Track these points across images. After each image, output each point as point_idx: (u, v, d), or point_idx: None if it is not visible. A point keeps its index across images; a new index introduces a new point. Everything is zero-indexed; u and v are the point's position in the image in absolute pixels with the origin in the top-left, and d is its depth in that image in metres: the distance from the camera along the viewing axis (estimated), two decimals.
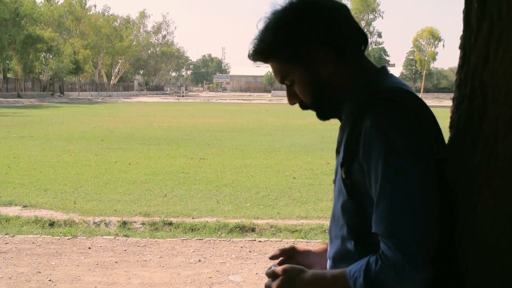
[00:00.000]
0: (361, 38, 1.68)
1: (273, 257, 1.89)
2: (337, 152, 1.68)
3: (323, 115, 1.75)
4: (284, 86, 1.75)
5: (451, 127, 1.65)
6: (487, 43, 1.46)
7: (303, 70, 1.65)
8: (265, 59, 1.70)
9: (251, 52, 1.69)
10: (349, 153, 1.55)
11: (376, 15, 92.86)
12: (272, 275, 1.69)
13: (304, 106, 1.75)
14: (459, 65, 1.60)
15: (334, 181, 1.72)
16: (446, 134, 1.69)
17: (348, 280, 1.49)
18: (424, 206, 1.42)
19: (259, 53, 1.68)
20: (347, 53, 1.64)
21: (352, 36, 1.66)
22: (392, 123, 1.46)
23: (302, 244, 6.37)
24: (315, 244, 6.60)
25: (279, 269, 1.67)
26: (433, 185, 1.46)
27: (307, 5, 1.63)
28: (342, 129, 1.68)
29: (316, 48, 1.61)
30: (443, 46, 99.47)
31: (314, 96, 1.68)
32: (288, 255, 1.89)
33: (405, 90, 1.58)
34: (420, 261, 1.39)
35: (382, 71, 1.69)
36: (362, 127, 1.50)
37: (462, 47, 1.58)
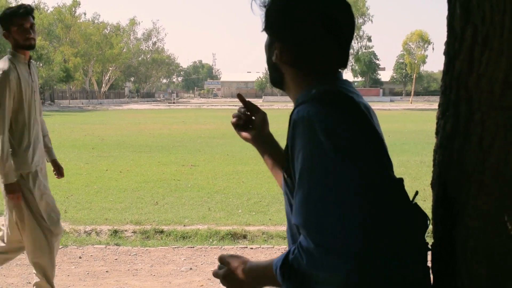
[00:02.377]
0: (335, 61, 1.69)
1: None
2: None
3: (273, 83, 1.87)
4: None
5: (437, 133, 1.64)
6: (471, 49, 1.46)
7: (271, 51, 1.72)
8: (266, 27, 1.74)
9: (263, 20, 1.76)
10: (286, 152, 1.58)
11: (365, 19, 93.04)
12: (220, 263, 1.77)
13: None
14: (444, 71, 1.59)
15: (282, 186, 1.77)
16: (433, 139, 1.68)
17: (273, 270, 1.53)
18: (340, 201, 1.41)
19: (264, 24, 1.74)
20: (305, 66, 1.68)
21: (321, 54, 1.66)
22: (319, 118, 1.46)
23: None
24: None
25: (225, 258, 1.75)
26: (354, 184, 1.43)
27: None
28: None
29: (277, 39, 1.69)
30: (433, 49, 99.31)
31: (272, 77, 1.83)
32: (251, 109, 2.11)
33: (344, 93, 1.58)
34: (333, 251, 1.38)
35: (334, 79, 1.68)
36: (297, 122, 1.52)
37: (447, 53, 1.57)
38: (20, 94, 4.43)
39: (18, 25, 4.44)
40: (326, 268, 1.39)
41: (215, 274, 1.76)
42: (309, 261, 1.41)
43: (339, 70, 1.71)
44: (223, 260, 1.74)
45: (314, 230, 1.41)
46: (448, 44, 1.57)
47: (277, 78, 1.78)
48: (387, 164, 1.57)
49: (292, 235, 1.70)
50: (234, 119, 2.11)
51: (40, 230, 4.63)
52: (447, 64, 1.57)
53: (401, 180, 1.56)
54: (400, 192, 1.54)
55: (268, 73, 1.83)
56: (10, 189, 4.45)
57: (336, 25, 1.64)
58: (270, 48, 1.73)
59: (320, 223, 1.41)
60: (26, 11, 4.46)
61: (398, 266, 1.47)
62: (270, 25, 1.69)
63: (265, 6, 1.70)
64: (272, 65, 1.75)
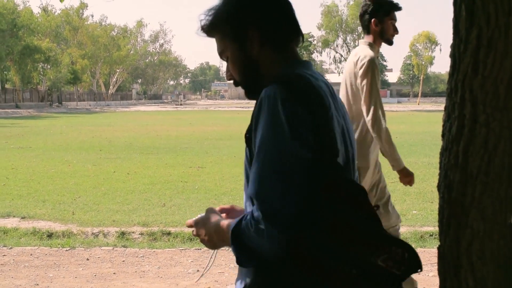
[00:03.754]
0: (294, 32, 1.79)
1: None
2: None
3: (250, 94, 1.86)
4: None
5: (443, 135, 1.64)
6: (476, 51, 1.46)
7: (234, 47, 1.78)
8: (208, 34, 1.84)
9: (200, 24, 1.84)
10: (250, 128, 1.66)
11: None
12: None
13: (235, 83, 1.88)
14: (449, 73, 1.60)
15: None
16: (440, 141, 1.68)
17: (228, 232, 1.62)
18: (286, 176, 1.51)
19: (202, 29, 1.83)
20: (271, 39, 1.75)
21: (282, 25, 1.76)
22: (276, 98, 1.56)
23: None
24: None
25: (193, 220, 1.86)
26: (299, 159, 1.53)
27: None
28: None
29: (247, 27, 1.74)
30: (440, 50, 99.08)
31: (241, 74, 1.82)
32: (227, 211, 2.03)
33: (307, 77, 1.67)
34: (278, 222, 1.49)
35: (302, 63, 1.78)
36: (260, 101, 1.61)
37: (452, 55, 1.58)
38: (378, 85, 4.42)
39: (392, 19, 4.48)
40: (266, 236, 1.50)
41: (188, 224, 1.88)
42: (256, 230, 1.51)
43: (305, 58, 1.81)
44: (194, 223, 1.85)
45: (262, 200, 1.51)
46: (453, 46, 1.57)
47: (252, 78, 1.81)
48: (334, 153, 1.66)
49: (245, 203, 1.81)
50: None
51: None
52: (453, 66, 1.57)
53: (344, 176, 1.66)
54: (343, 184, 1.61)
55: (241, 82, 1.85)
56: (405, 173, 4.44)
57: (286, 5, 1.79)
58: (237, 44, 1.77)
59: (267, 195, 1.51)
60: (399, 10, 4.52)
61: (329, 253, 1.54)
62: (234, 19, 1.75)
63: (214, 11, 1.79)
64: (244, 65, 1.79)
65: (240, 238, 1.57)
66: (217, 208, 2.01)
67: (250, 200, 1.65)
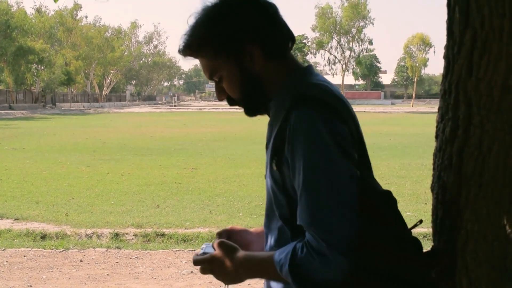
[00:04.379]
0: (287, 36, 1.72)
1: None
2: (267, 147, 1.72)
3: (250, 111, 1.79)
4: None
5: (436, 136, 1.65)
6: (470, 53, 1.47)
7: (231, 66, 1.68)
8: (194, 54, 1.73)
9: (181, 47, 1.72)
10: (278, 148, 1.59)
11: (366, 22, 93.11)
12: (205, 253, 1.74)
13: (232, 102, 1.78)
14: (443, 75, 1.60)
15: (266, 176, 1.76)
16: (434, 142, 1.68)
17: (276, 265, 1.54)
18: (343, 199, 1.47)
19: (188, 48, 1.71)
20: (273, 51, 1.68)
21: (279, 34, 1.70)
22: (315, 119, 1.50)
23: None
24: None
25: (214, 243, 1.72)
26: (352, 179, 1.50)
27: (236, 1, 1.69)
28: (270, 125, 1.72)
29: (243, 44, 1.65)
30: (434, 52, 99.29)
31: (242, 92, 1.72)
32: (226, 235, 1.94)
33: (328, 87, 1.63)
34: (342, 248, 1.44)
35: (307, 70, 1.73)
36: (288, 123, 1.54)
37: (446, 57, 1.58)
38: None
39: None
40: (334, 265, 1.45)
41: (197, 261, 1.73)
42: (322, 260, 1.45)
43: (310, 64, 1.77)
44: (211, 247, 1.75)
45: (323, 230, 1.45)
46: (447, 48, 1.58)
47: (254, 94, 1.73)
48: (368, 165, 1.67)
49: (269, 222, 1.75)
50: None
51: None
52: (447, 68, 1.58)
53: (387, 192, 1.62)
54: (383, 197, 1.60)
55: (241, 101, 1.76)
56: None
57: (273, 11, 1.71)
58: (235, 62, 1.69)
59: (328, 223, 1.45)
60: None
61: (387, 264, 1.52)
62: (228, 38, 1.66)
63: (199, 31, 1.69)
64: (244, 82, 1.71)
65: (299, 271, 1.49)
66: (216, 235, 1.96)
67: (287, 224, 1.62)
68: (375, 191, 1.59)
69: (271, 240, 1.74)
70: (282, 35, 1.71)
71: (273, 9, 1.71)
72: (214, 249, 1.72)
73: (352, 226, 1.46)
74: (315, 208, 1.47)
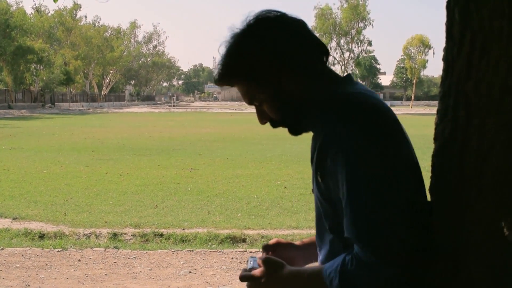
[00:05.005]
0: (321, 50, 1.70)
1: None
2: (312, 161, 1.71)
3: (295, 131, 1.77)
4: None
5: (435, 138, 1.64)
6: (470, 54, 1.46)
7: (269, 90, 1.66)
8: (230, 83, 1.70)
9: (216, 77, 1.70)
10: (322, 160, 1.57)
11: (366, 23, 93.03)
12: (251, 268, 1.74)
13: (274, 124, 1.76)
14: (442, 77, 1.60)
15: (313, 190, 1.75)
16: (431, 145, 1.68)
17: (325, 279, 1.53)
18: (391, 210, 1.46)
19: (224, 78, 1.69)
20: (308, 68, 1.66)
21: (312, 49, 1.68)
22: (358, 131, 1.50)
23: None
24: None
25: (261, 259, 1.70)
26: (400, 190, 1.50)
27: (265, 25, 1.66)
28: (314, 139, 1.71)
29: (277, 69, 1.63)
30: (433, 54, 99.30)
31: (283, 114, 1.70)
32: (272, 249, 1.93)
33: (370, 97, 1.62)
34: (393, 259, 1.44)
35: (347, 80, 1.72)
36: (330, 136, 1.53)
37: (445, 59, 1.58)
38: None
39: None
40: (389, 279, 1.45)
41: (244, 277, 1.71)
42: (371, 273, 1.45)
43: (349, 74, 1.77)
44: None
45: (372, 242, 1.45)
46: (446, 49, 1.57)
47: (296, 115, 1.71)
48: (418, 173, 1.68)
49: (320, 235, 1.74)
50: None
51: None
52: (446, 69, 1.57)
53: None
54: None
55: (283, 122, 1.74)
56: None
57: (301, 28, 1.69)
58: (274, 88, 1.66)
59: (377, 235, 1.45)
60: None
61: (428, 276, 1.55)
62: (264, 66, 1.64)
63: (235, 60, 1.66)
64: (285, 105, 1.69)
65: (349, 284, 1.49)
66: (262, 249, 1.95)
67: (338, 236, 1.61)
68: (423, 201, 1.61)
69: (323, 254, 1.73)
70: (314, 51, 1.68)
71: (302, 26, 1.69)
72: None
73: (401, 238, 1.45)
74: (362, 221, 1.46)
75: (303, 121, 1.72)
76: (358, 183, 1.47)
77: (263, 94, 1.68)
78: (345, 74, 1.77)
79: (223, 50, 1.67)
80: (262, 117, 1.76)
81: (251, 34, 1.65)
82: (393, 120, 1.61)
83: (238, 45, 1.65)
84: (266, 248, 1.93)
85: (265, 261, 1.68)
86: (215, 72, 1.71)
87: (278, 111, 1.70)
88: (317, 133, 1.66)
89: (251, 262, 1.77)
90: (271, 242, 1.96)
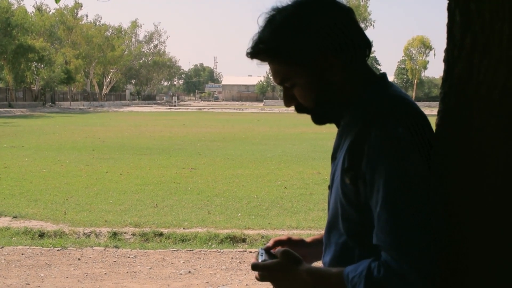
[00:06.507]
0: (365, 43, 1.63)
1: (267, 249, 1.82)
2: (333, 158, 1.67)
3: (320, 120, 1.71)
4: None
5: (436, 139, 1.64)
6: (471, 56, 1.47)
7: (309, 74, 1.59)
8: (265, 60, 1.63)
9: (251, 50, 1.61)
10: (354, 162, 1.52)
11: (367, 24, 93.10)
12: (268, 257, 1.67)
13: (300, 109, 1.69)
14: (443, 78, 1.60)
15: (330, 187, 1.71)
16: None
17: (346, 283, 1.48)
18: (427, 219, 1.43)
19: (263, 53, 1.60)
20: (352, 59, 1.60)
21: (357, 41, 1.61)
22: (399, 138, 1.45)
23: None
24: None
25: (279, 251, 1.63)
26: (435, 198, 1.48)
27: (315, 6, 1.58)
28: (340, 135, 1.66)
29: (323, 53, 1.56)
30: (434, 55, 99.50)
31: (317, 101, 1.63)
32: (283, 245, 1.86)
33: (408, 101, 1.59)
34: (426, 270, 1.40)
35: (384, 79, 1.68)
36: (367, 138, 1.48)
37: (446, 60, 1.58)
38: None
39: None
40: (417, 287, 1.41)
41: (257, 266, 1.63)
42: (401, 283, 1.41)
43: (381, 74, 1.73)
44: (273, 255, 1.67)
45: (406, 252, 1.41)
46: (447, 51, 1.58)
47: (329, 104, 1.65)
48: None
49: (330, 235, 1.69)
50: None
51: None
52: (447, 71, 1.58)
53: None
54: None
55: (313, 109, 1.67)
56: None
57: (348, 13, 1.61)
58: (314, 71, 1.59)
59: (411, 245, 1.41)
60: None
61: None
62: (310, 47, 1.56)
63: (278, 36, 1.57)
64: (321, 92, 1.62)
65: None
66: (271, 241, 1.89)
67: (355, 240, 1.58)
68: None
69: (329, 253, 1.70)
70: (360, 42, 1.62)
71: (351, 14, 1.62)
72: (270, 256, 1.66)
73: (435, 250, 1.43)
74: (397, 229, 1.42)
75: (333, 113, 1.67)
76: (397, 192, 1.43)
77: (301, 79, 1.60)
78: (381, 72, 1.72)
79: (262, 22, 1.59)
80: (289, 100, 1.69)
81: (301, 13, 1.56)
82: (430, 130, 1.58)
83: (285, 22, 1.56)
84: (278, 243, 1.87)
85: (285, 253, 1.60)
86: (251, 44, 1.60)
87: (312, 97, 1.63)
88: (347, 130, 1.60)
89: (263, 253, 1.70)
90: (282, 238, 1.91)
